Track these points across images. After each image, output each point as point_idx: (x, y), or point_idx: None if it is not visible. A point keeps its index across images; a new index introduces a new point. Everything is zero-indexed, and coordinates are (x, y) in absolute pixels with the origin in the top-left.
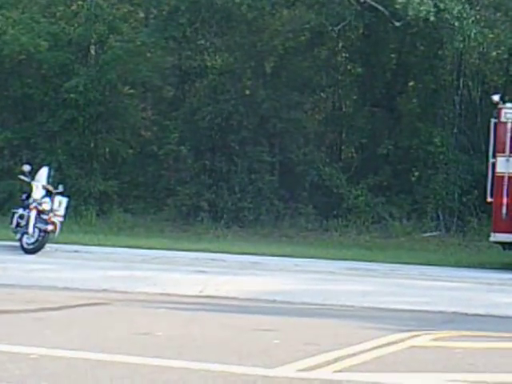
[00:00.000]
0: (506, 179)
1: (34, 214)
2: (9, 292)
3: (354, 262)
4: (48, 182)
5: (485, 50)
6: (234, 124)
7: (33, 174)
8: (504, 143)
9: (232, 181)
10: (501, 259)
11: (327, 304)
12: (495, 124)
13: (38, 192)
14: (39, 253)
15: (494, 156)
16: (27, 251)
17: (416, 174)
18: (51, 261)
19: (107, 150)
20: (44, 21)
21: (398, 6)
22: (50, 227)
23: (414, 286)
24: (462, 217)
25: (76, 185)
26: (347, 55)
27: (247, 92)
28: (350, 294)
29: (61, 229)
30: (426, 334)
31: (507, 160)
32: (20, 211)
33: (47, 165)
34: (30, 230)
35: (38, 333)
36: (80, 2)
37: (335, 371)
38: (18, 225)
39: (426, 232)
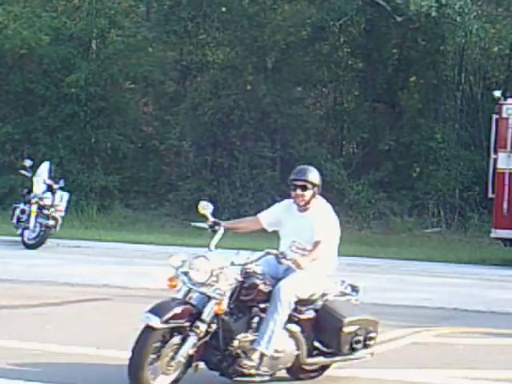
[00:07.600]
0: (507, 175)
1: (35, 209)
2: (10, 287)
3: (355, 258)
4: (49, 177)
5: (486, 45)
6: (235, 119)
7: (34, 169)
8: (505, 139)
9: (233, 176)
10: (502, 255)
11: None
12: (497, 120)
13: (39, 187)
14: (40, 248)
15: (496, 152)
16: (28, 246)
17: (417, 169)
18: (52, 256)
19: (108, 144)
20: (45, 15)
21: (399, 1)
22: (51, 222)
23: (415, 282)
24: (463, 213)
25: (77, 180)
26: (349, 50)
27: (248, 87)
28: None
29: (62, 224)
30: (427, 330)
31: (508, 156)
32: (21, 206)
33: (48, 160)
34: (31, 225)
35: (39, 328)
36: None
37: (337, 367)
38: (19, 220)
39: (427, 228)
